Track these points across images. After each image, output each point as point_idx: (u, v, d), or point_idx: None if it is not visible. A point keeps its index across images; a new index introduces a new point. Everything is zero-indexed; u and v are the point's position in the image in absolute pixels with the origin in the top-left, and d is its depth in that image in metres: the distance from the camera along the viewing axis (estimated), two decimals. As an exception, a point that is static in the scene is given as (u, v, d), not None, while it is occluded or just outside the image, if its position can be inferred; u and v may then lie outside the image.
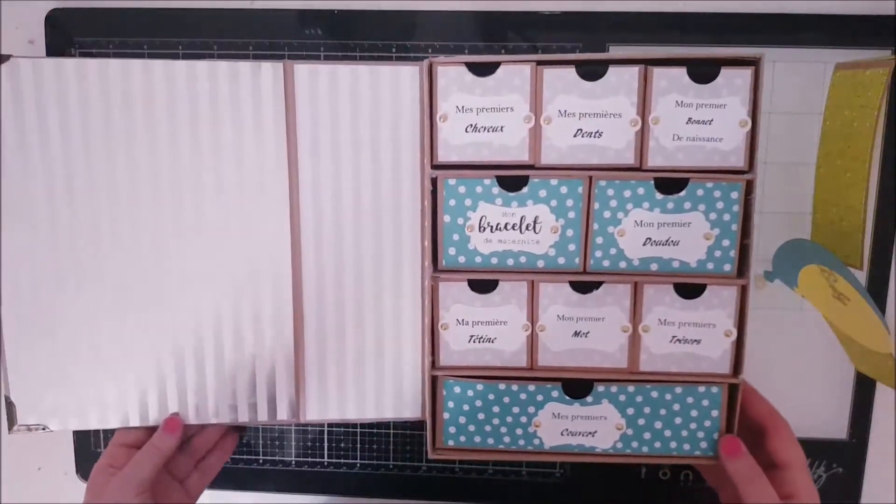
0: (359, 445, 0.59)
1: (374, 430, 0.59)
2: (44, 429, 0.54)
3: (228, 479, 0.60)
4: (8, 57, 0.50)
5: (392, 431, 0.59)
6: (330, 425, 0.58)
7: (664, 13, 0.53)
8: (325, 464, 0.59)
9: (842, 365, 0.55)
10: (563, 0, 0.53)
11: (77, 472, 0.60)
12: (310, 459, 0.59)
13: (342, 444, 0.59)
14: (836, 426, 0.57)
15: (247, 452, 0.60)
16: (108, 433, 0.59)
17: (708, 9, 0.53)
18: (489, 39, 0.54)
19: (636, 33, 0.53)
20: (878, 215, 0.54)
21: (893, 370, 0.46)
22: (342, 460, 0.59)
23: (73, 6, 0.54)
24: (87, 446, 0.60)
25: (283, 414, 0.54)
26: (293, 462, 0.59)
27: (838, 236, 0.50)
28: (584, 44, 0.53)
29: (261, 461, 0.59)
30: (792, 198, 0.51)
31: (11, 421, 0.54)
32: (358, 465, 0.59)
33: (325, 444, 0.59)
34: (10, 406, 0.54)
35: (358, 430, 0.59)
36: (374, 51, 0.54)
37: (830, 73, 0.51)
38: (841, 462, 0.57)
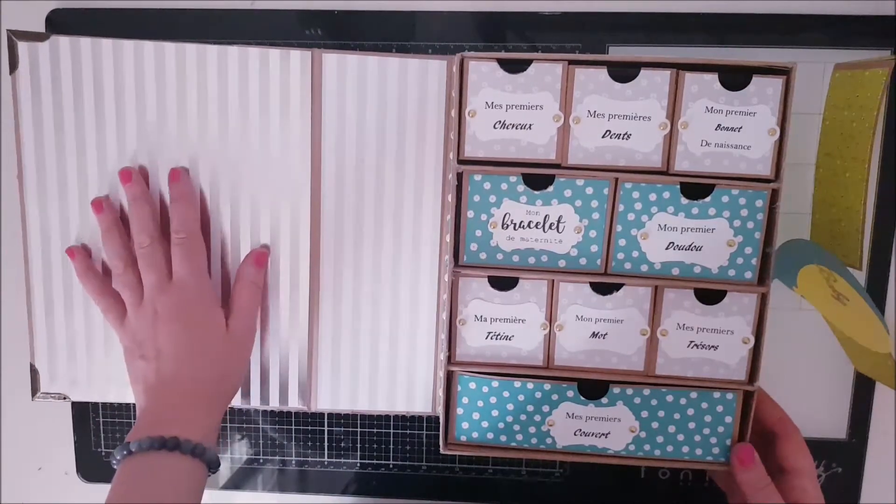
0: (359, 445, 0.59)
1: (375, 430, 0.58)
2: (64, 398, 0.55)
3: (229, 479, 0.60)
4: (48, 35, 0.50)
5: (392, 431, 0.58)
6: (330, 424, 0.58)
7: (664, 13, 0.53)
8: (325, 464, 0.59)
9: (841, 365, 0.55)
10: (562, 0, 0.53)
11: (77, 471, 0.60)
12: (310, 459, 0.59)
13: (342, 444, 0.59)
14: (835, 426, 0.57)
15: (247, 452, 0.60)
16: (108, 433, 0.59)
17: (708, 9, 0.53)
18: (489, 39, 0.54)
19: (636, 33, 0.53)
20: (877, 215, 0.54)
21: (893, 370, 0.47)
22: (342, 460, 0.59)
23: (74, 6, 0.54)
24: (88, 446, 0.59)
25: (294, 401, 0.55)
26: (293, 462, 0.59)
27: (837, 236, 0.50)
28: (584, 44, 0.53)
29: (261, 461, 0.59)
30: (791, 198, 0.51)
31: (35, 388, 0.55)
32: (358, 464, 0.59)
33: (325, 444, 0.59)
34: (34, 373, 0.54)
35: (358, 429, 0.58)
36: (375, 51, 0.54)
37: (830, 74, 0.51)
38: (840, 462, 0.57)
